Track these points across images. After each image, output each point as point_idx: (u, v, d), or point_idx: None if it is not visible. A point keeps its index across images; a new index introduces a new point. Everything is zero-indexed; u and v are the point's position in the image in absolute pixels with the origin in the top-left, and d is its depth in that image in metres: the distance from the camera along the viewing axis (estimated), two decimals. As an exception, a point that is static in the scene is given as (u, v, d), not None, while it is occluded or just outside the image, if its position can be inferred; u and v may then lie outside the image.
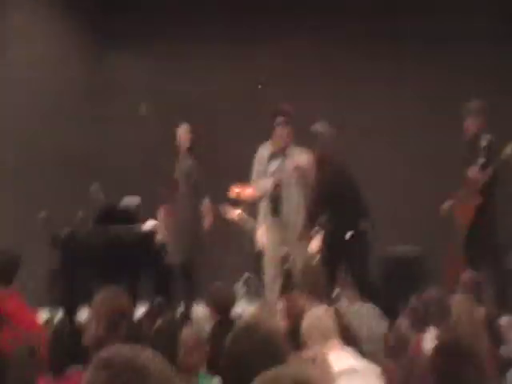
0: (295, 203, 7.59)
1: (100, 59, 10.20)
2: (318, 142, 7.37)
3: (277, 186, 7.53)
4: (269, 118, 7.65)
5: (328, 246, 7.44)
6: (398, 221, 8.90)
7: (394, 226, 8.68)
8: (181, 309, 8.06)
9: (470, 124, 7.99)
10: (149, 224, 8.49)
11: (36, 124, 9.61)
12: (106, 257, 8.18)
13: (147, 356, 2.20)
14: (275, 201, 7.59)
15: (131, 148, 9.91)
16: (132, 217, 8.47)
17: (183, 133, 8.11)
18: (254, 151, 7.88)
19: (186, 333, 4.79)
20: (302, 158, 7.52)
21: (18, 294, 5.45)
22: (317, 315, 4.45)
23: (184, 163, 8.13)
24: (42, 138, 9.62)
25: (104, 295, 4.83)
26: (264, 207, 7.65)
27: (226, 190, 8.73)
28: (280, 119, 7.55)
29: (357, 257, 7.40)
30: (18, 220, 9.31)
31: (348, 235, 7.29)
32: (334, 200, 7.31)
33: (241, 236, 8.93)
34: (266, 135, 7.92)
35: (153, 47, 10.19)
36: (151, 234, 8.44)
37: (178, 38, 10.15)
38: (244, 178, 8.65)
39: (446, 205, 8.08)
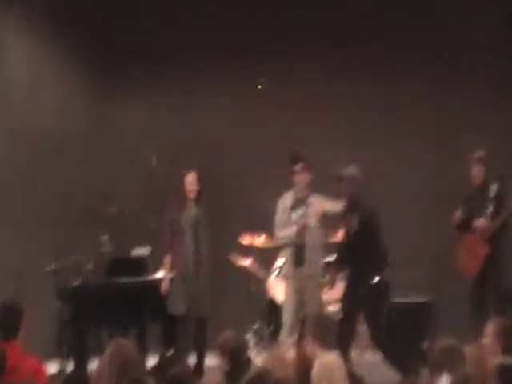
0: (319, 252, 7.66)
1: (102, 107, 10.25)
2: (349, 186, 7.33)
3: (301, 232, 7.52)
4: (287, 166, 7.68)
5: (349, 293, 7.45)
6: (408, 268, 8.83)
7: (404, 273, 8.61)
8: (193, 359, 8.00)
9: (477, 173, 8.05)
10: (160, 274, 8.49)
11: (39, 174, 9.64)
12: (115, 308, 8.16)
13: None
14: (300, 250, 7.60)
15: (136, 196, 9.92)
16: (142, 267, 8.46)
17: (190, 181, 8.10)
18: (263, 198, 7.90)
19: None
20: (326, 204, 7.53)
21: (19, 345, 5.41)
22: (327, 363, 4.42)
23: (191, 212, 8.12)
24: (47, 188, 9.64)
25: (114, 347, 4.82)
26: (286, 255, 7.63)
27: (235, 238, 8.76)
28: (299, 166, 7.58)
29: (376, 306, 7.39)
30: (26, 272, 9.30)
31: (375, 280, 7.29)
32: (360, 246, 7.31)
33: (252, 285, 8.90)
34: (277, 181, 7.93)
35: (154, 95, 10.26)
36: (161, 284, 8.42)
37: (181, 86, 10.21)
38: (255, 225, 8.68)
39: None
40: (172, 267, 8.06)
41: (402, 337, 7.57)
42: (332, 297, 8.26)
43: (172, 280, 8.04)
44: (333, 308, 8.20)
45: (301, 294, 7.62)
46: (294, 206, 7.64)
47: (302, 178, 7.59)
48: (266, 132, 10.04)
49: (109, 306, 8.10)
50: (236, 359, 5.54)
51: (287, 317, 7.56)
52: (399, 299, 8.67)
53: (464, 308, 8.11)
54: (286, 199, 7.72)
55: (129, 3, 10.17)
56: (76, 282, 8.11)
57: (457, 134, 9.71)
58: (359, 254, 7.32)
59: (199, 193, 8.11)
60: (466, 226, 8.05)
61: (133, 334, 8.37)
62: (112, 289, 8.17)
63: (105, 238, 8.29)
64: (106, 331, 8.22)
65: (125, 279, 8.23)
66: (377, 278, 7.34)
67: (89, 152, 9.96)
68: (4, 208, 9.45)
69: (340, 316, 7.49)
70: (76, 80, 10.12)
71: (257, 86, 10.03)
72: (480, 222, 7.91)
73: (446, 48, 9.90)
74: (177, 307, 8.00)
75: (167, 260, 8.09)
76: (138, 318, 8.36)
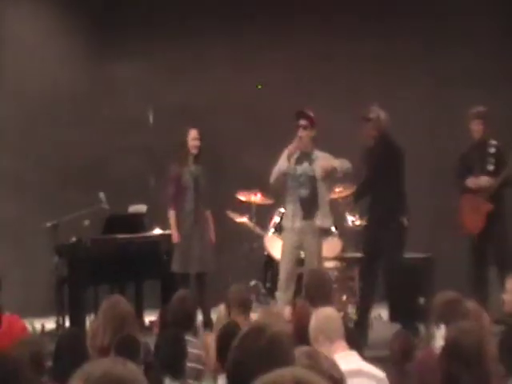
0: (327, 206, 7.64)
1: (101, 66, 10.19)
2: (375, 126, 7.49)
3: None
4: (291, 121, 7.62)
5: (370, 236, 7.57)
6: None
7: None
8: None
9: (476, 127, 7.99)
10: (157, 231, 8.52)
11: (37, 133, 9.65)
12: (113, 265, 8.19)
13: (125, 368, 2.22)
14: (307, 202, 7.54)
15: (134, 154, 9.91)
16: (140, 224, 8.48)
17: (193, 137, 8.11)
18: (257, 158, 7.88)
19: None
20: (333, 162, 7.52)
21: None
22: (324, 316, 4.44)
23: (193, 169, 8.14)
24: (45, 147, 9.66)
25: (109, 304, 4.85)
26: (291, 210, 7.61)
27: (231, 196, 8.76)
28: (304, 121, 7.55)
29: (396, 251, 7.51)
30: (25, 229, 9.34)
31: (404, 221, 7.47)
32: (385, 184, 7.42)
33: (249, 242, 8.92)
34: (268, 141, 7.91)
35: (151, 54, 10.19)
36: (158, 241, 8.46)
37: (179, 45, 10.14)
38: (252, 183, 8.67)
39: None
40: (177, 221, 8.06)
41: (403, 292, 7.61)
42: (330, 253, 8.27)
43: (178, 235, 8.05)
44: (329, 264, 8.21)
45: (300, 250, 7.60)
46: (300, 160, 7.59)
47: (306, 132, 7.54)
48: (264, 92, 10.00)
49: (106, 262, 8.13)
50: (245, 310, 5.65)
51: (281, 273, 7.57)
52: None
53: (462, 267, 8.14)
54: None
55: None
56: (74, 238, 8.12)
57: (455, 94, 9.68)
58: (382, 193, 7.43)
59: (200, 149, 8.12)
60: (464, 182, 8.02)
61: (130, 290, 8.45)
62: (109, 245, 8.20)
63: (102, 194, 8.29)
64: (103, 288, 8.26)
65: (122, 236, 8.26)
66: (405, 221, 7.48)
67: (87, 112, 9.93)
68: (4, 167, 9.48)
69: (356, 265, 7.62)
70: (73, 40, 10.07)
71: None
72: (483, 181, 7.88)
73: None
74: (180, 264, 8.03)
75: (171, 214, 8.09)
76: (136, 275, 8.41)
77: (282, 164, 7.52)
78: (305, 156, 7.59)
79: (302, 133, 7.52)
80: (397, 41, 10.03)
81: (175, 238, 8.07)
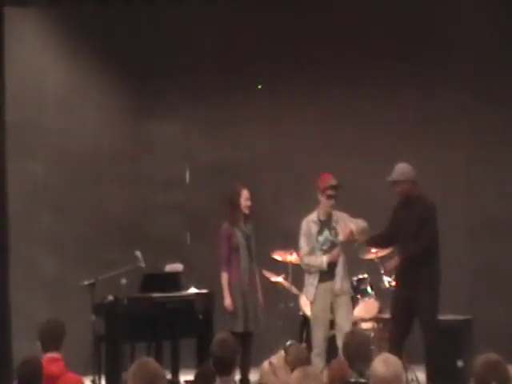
0: (346, 268, 7.82)
1: (140, 124, 10.34)
2: (403, 185, 7.61)
3: (332, 262, 7.72)
4: (318, 187, 7.79)
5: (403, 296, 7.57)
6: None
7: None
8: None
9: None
10: (192, 290, 8.53)
11: (77, 191, 9.78)
12: (150, 324, 8.20)
13: None
14: (328, 267, 7.74)
15: (172, 212, 9.98)
16: (175, 283, 8.50)
17: (246, 197, 8.22)
18: (294, 216, 7.93)
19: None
20: (350, 224, 7.66)
21: (62, 359, 5.57)
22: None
23: (245, 228, 8.24)
24: (84, 205, 9.78)
25: (138, 364, 4.84)
26: (317, 275, 7.75)
27: (267, 255, 8.76)
28: (333, 192, 7.74)
29: (432, 311, 7.52)
30: (64, 287, 9.41)
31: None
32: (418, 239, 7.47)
33: (285, 301, 8.88)
34: (304, 199, 7.96)
35: (192, 113, 10.32)
36: (194, 300, 8.46)
37: (216, 103, 10.26)
38: (288, 242, 8.67)
39: None
40: (230, 283, 8.12)
41: (441, 354, 7.52)
42: (367, 314, 8.22)
43: (231, 296, 8.09)
44: (367, 325, 8.16)
45: (330, 312, 7.68)
46: (320, 231, 7.79)
47: (330, 202, 7.72)
48: (301, 149, 10.06)
49: (143, 321, 8.15)
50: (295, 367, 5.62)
51: (317, 335, 7.59)
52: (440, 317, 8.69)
53: (503, 329, 8.05)
54: (310, 223, 7.83)
55: (167, 28, 10.23)
56: (111, 297, 8.16)
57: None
58: (415, 249, 7.48)
59: (251, 208, 8.22)
60: None
61: (166, 349, 8.45)
62: (146, 304, 8.22)
63: (139, 253, 8.34)
64: (140, 346, 8.26)
65: (158, 294, 8.28)
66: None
67: (126, 170, 10.07)
68: (44, 224, 9.61)
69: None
70: (112, 98, 10.25)
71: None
72: None
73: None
74: (237, 324, 8.06)
75: (224, 277, 8.15)
76: (172, 334, 8.41)
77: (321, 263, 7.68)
78: (325, 223, 7.77)
79: (332, 204, 7.68)
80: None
81: (228, 302, 8.09)
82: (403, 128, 10.00)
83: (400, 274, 7.74)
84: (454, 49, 9.82)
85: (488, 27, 9.60)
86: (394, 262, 7.69)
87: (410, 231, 7.54)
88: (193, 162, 9.77)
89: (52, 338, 5.54)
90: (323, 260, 7.72)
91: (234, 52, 10.16)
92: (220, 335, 5.47)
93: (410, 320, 7.54)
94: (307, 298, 7.90)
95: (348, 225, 7.67)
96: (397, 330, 7.57)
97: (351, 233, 7.59)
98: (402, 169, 7.64)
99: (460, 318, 8.34)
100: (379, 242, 8.00)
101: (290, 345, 6.04)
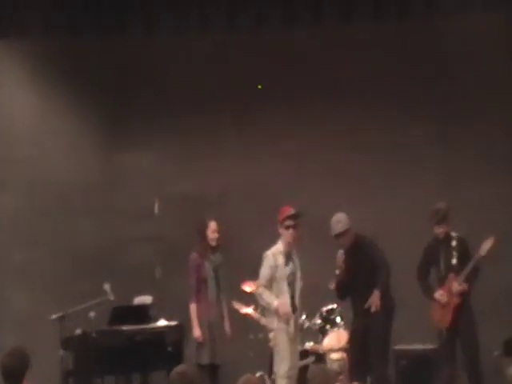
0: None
1: (112, 156, 10.34)
2: (346, 238, 7.88)
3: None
4: (277, 220, 7.83)
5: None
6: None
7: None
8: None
9: (441, 230, 8.03)
10: (162, 322, 8.51)
11: (48, 223, 9.76)
12: (119, 357, 8.17)
13: None
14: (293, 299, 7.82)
15: (142, 245, 9.98)
16: (145, 316, 8.49)
17: (213, 229, 8.24)
18: (264, 248, 7.96)
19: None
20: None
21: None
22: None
23: (214, 259, 8.26)
24: (55, 237, 9.74)
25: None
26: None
27: (237, 286, 8.76)
28: (292, 222, 7.77)
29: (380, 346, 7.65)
30: (31, 320, 9.35)
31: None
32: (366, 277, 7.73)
33: (255, 332, 8.87)
34: (275, 231, 8.00)
35: (164, 145, 10.35)
36: (164, 332, 8.45)
37: (188, 135, 10.28)
38: (254, 274, 8.67)
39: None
40: (198, 314, 8.09)
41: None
42: (336, 344, 8.23)
43: (200, 328, 8.07)
44: (336, 356, 8.15)
45: (295, 343, 7.73)
46: (287, 262, 7.82)
47: (289, 233, 7.75)
48: (272, 183, 10.10)
49: (112, 354, 8.12)
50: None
51: (284, 367, 7.61)
52: (408, 346, 8.76)
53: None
54: (277, 254, 7.83)
55: (138, 58, 10.27)
56: (79, 331, 8.13)
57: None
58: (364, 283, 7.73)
59: (219, 240, 8.21)
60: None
61: (136, 382, 8.41)
62: (115, 337, 8.20)
63: (107, 286, 8.32)
64: (109, 379, 8.22)
65: (127, 327, 8.26)
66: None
67: (98, 202, 10.05)
68: (14, 256, 9.57)
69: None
70: (84, 131, 10.24)
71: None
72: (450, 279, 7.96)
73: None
74: (204, 356, 8.04)
75: (193, 308, 8.12)
76: (141, 367, 8.38)
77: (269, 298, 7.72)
78: (289, 255, 7.83)
79: (291, 234, 7.74)
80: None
81: (197, 333, 8.06)
82: (375, 160, 10.06)
83: (355, 305, 7.95)
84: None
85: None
86: (375, 298, 7.77)
87: (365, 276, 7.76)
88: (164, 194, 9.78)
89: (13, 371, 5.31)
90: (274, 303, 7.70)
91: (205, 86, 10.20)
92: (179, 367, 5.43)
93: (365, 349, 7.66)
94: (270, 326, 7.88)
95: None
96: (353, 360, 7.68)
97: None
98: (342, 219, 7.85)
99: (428, 347, 8.38)
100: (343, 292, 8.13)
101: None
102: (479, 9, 9.38)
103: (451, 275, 7.95)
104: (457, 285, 7.90)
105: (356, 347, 7.85)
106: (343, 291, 8.10)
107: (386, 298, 7.79)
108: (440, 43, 9.75)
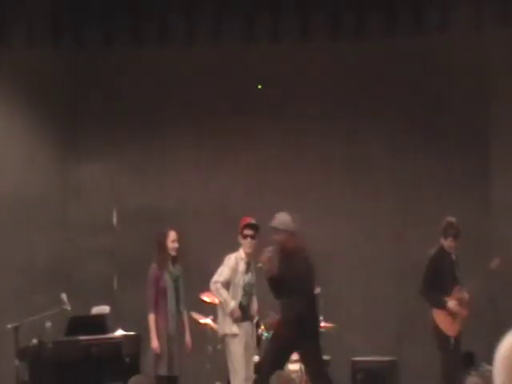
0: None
1: (66, 168, 10.28)
2: (281, 235, 7.59)
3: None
4: (237, 228, 7.96)
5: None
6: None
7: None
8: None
9: (453, 244, 8.10)
10: (119, 332, 8.46)
11: (3, 235, 9.62)
12: (75, 367, 8.09)
13: None
14: (246, 308, 7.99)
15: (99, 256, 9.92)
16: (102, 326, 8.42)
17: (173, 239, 8.21)
18: (222, 259, 7.99)
19: None
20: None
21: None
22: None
23: (173, 270, 8.23)
24: (9, 249, 9.61)
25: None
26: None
27: (196, 296, 8.76)
28: (250, 232, 7.92)
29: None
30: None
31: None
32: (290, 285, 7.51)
33: (213, 343, 8.86)
34: (234, 242, 8.03)
35: (119, 158, 10.33)
36: (121, 342, 8.38)
37: (143, 148, 10.28)
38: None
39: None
40: (157, 325, 8.04)
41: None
42: (295, 355, 8.24)
43: (158, 339, 8.00)
44: (295, 366, 8.18)
45: (250, 353, 7.88)
46: (247, 270, 7.99)
47: (247, 242, 7.93)
48: (229, 194, 10.13)
49: (68, 364, 8.04)
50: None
51: (239, 380, 7.68)
52: (365, 357, 8.81)
53: (427, 370, 8.15)
54: (239, 259, 8.00)
55: (97, 71, 10.25)
56: (35, 341, 8.03)
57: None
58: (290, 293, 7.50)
59: (178, 250, 8.21)
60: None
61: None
62: (71, 347, 8.12)
63: (64, 296, 8.24)
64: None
65: (84, 337, 8.19)
66: None
67: (52, 214, 9.97)
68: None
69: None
70: (38, 143, 10.13)
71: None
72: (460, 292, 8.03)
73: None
74: (162, 367, 7.97)
75: (151, 318, 8.07)
76: (98, 377, 8.29)
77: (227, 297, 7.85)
78: (248, 265, 7.98)
79: (249, 243, 7.90)
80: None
81: (155, 344, 7.99)
82: (336, 174, 10.15)
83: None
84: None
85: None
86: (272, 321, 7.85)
87: (290, 287, 7.51)
88: (121, 206, 9.74)
89: None
90: (231, 306, 7.83)
91: (165, 99, 10.22)
92: (135, 378, 5.42)
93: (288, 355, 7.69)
94: (224, 331, 7.92)
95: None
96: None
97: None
98: (282, 218, 7.67)
99: (385, 359, 8.44)
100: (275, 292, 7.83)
101: None
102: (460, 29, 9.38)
103: (457, 287, 8.04)
104: (468, 296, 8.00)
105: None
106: (274, 291, 7.72)
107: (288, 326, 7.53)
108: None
